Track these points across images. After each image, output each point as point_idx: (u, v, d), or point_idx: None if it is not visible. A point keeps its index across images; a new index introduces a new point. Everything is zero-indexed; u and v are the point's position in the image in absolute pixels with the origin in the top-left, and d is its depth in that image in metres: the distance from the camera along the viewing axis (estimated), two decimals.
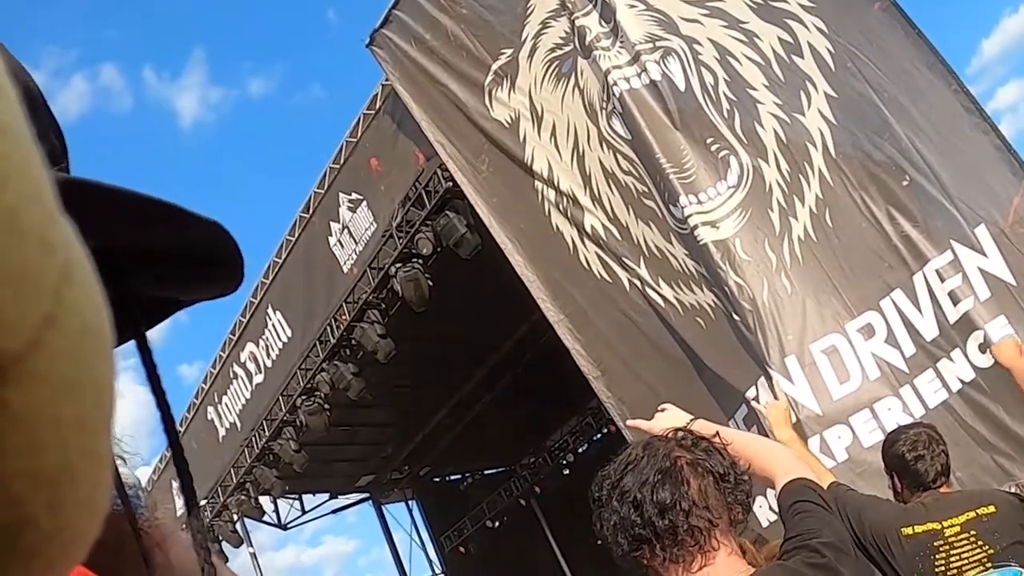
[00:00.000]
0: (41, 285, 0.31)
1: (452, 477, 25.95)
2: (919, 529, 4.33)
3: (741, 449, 2.63)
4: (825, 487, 4.24)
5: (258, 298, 15.06)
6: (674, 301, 8.08)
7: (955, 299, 6.53)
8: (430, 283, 12.71)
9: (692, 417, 2.91)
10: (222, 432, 16.72)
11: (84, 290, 0.35)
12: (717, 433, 2.59)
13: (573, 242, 8.72)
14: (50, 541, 0.33)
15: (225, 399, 16.38)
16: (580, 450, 23.77)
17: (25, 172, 0.31)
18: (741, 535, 2.49)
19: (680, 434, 2.55)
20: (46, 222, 0.32)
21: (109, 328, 0.37)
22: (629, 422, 3.13)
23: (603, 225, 8.46)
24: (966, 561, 4.23)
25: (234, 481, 16.94)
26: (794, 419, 6.64)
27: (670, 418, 3.00)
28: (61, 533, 0.34)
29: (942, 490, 4.50)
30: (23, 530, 0.32)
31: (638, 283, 8.31)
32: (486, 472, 25.95)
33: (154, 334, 0.75)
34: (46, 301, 0.31)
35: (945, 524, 4.30)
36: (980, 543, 4.23)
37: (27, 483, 0.31)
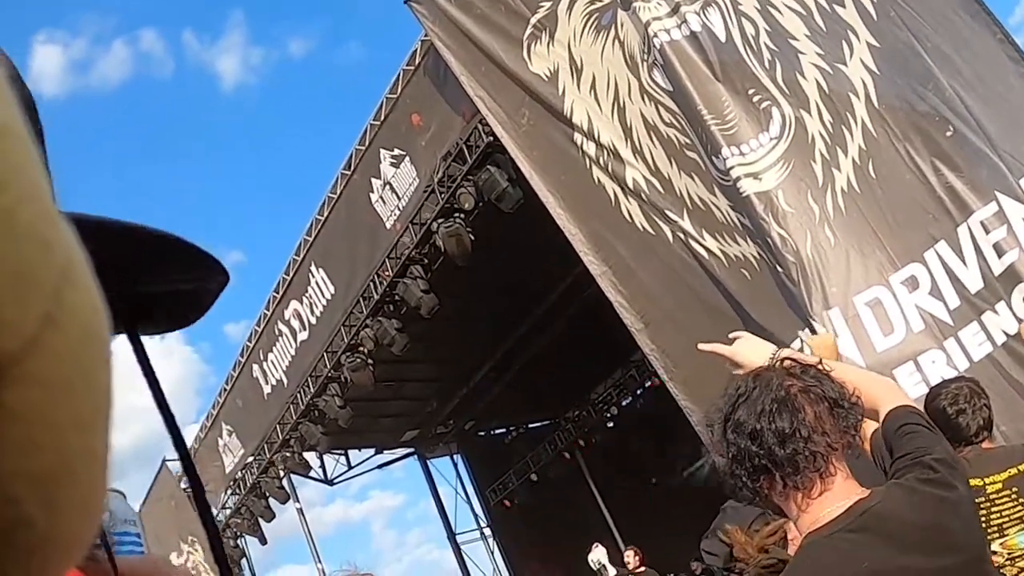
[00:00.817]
0: (40, 285, 0.31)
1: (496, 431, 26.04)
2: None
3: (842, 376, 2.62)
4: (869, 434, 4.24)
5: (301, 255, 15.13)
6: (718, 253, 8.04)
7: (1000, 251, 6.45)
8: (472, 237, 12.72)
9: (774, 347, 2.87)
10: (267, 389, 16.88)
11: (83, 291, 0.35)
12: (820, 360, 2.58)
13: (615, 195, 8.68)
14: (47, 541, 0.33)
15: (271, 357, 16.51)
16: (624, 403, 23.79)
17: (24, 173, 0.31)
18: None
19: (787, 363, 2.54)
20: (45, 222, 0.32)
21: (107, 329, 0.37)
22: (703, 346, 3.08)
23: (645, 178, 8.41)
24: (1007, 518, 4.19)
25: (280, 438, 17.10)
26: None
27: (750, 345, 2.95)
28: (58, 533, 0.34)
29: (985, 445, 4.45)
30: (20, 530, 0.32)
31: (682, 235, 8.27)
32: (530, 426, 26.04)
33: None
34: (45, 301, 0.32)
35: (987, 480, 4.26)
36: (1022, 500, 4.19)
37: (24, 483, 0.31)
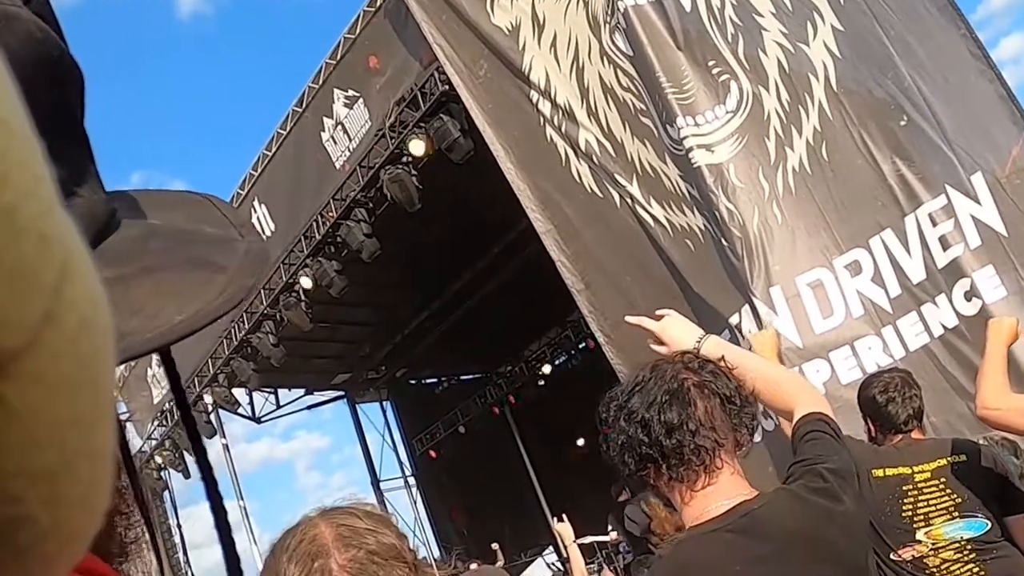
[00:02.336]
0: (40, 282, 0.31)
1: (428, 380, 26.13)
2: (890, 472, 4.36)
3: (757, 374, 2.64)
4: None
5: (245, 190, 15.01)
6: (664, 221, 8.05)
7: (945, 244, 6.52)
8: (419, 185, 12.69)
9: (702, 332, 2.89)
10: None
11: (83, 287, 0.34)
12: (723, 357, 2.59)
13: (566, 155, 8.66)
14: (48, 539, 0.33)
15: None
16: (557, 362, 23.95)
17: (24, 168, 0.30)
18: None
19: (687, 356, 2.56)
20: (45, 218, 0.31)
21: (109, 325, 0.37)
22: (631, 318, 3.08)
23: (597, 140, 8.40)
24: (934, 508, 4.27)
25: (211, 372, 17.03)
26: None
27: (677, 324, 2.97)
28: (59, 531, 0.34)
29: (915, 435, 4.54)
30: (21, 528, 0.31)
31: (629, 201, 8.27)
32: (462, 378, 26.15)
33: None
34: (45, 298, 0.31)
35: (916, 469, 4.34)
36: (949, 491, 4.26)
37: (25, 481, 0.31)
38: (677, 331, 2.91)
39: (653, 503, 3.54)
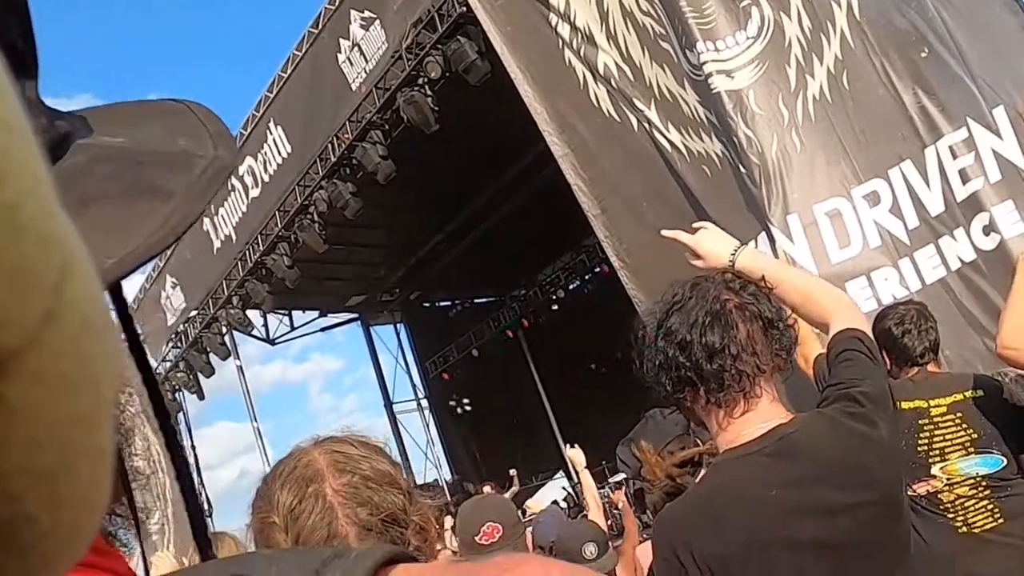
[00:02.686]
0: (40, 281, 0.31)
1: (441, 303, 26.16)
2: (906, 405, 4.31)
3: (792, 288, 2.59)
4: (812, 357, 4.24)
5: (260, 112, 14.93)
6: (681, 147, 8.01)
7: (965, 178, 6.46)
8: (436, 107, 12.59)
9: (737, 243, 2.81)
10: (217, 244, 16.74)
11: (84, 286, 0.34)
12: (763, 277, 2.54)
13: (584, 78, 8.61)
14: (49, 537, 0.33)
15: (221, 211, 16.33)
16: (571, 286, 23.91)
17: (24, 167, 0.30)
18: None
19: (728, 276, 2.50)
20: (45, 218, 0.31)
21: (110, 324, 0.37)
22: (667, 232, 3.00)
23: (616, 64, 8.33)
24: (949, 443, 4.24)
25: (225, 294, 17.05)
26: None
27: (713, 237, 2.88)
28: (60, 530, 0.34)
29: (931, 368, 4.50)
30: (22, 527, 0.31)
31: (647, 125, 8.22)
32: (476, 301, 26.16)
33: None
34: (45, 297, 0.31)
35: (932, 403, 4.30)
36: (964, 426, 4.23)
37: (26, 480, 0.31)
38: (712, 243, 2.81)
39: (644, 447, 3.50)
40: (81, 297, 0.33)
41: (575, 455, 7.73)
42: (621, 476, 8.85)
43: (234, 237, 16.37)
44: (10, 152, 0.29)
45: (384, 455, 1.63)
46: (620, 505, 8.44)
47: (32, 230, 0.30)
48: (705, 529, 2.31)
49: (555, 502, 15.18)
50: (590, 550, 4.63)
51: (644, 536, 5.74)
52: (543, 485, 22.01)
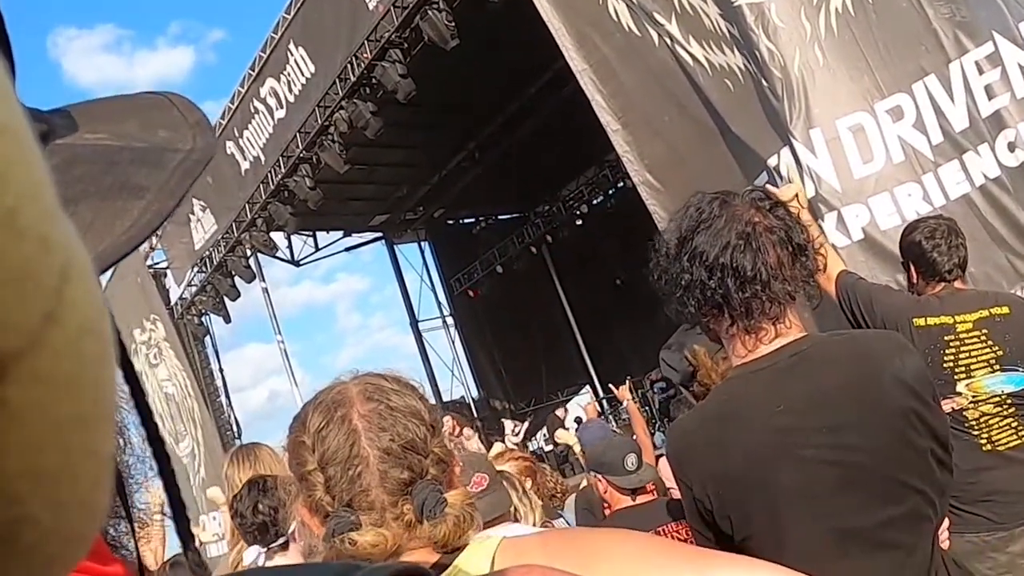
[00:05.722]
0: (41, 284, 0.31)
1: (465, 220, 26.17)
2: (932, 321, 4.29)
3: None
4: (835, 273, 4.22)
5: (279, 33, 14.83)
6: (703, 60, 7.92)
7: (990, 93, 6.35)
8: (454, 24, 12.49)
9: None
10: (245, 166, 16.67)
11: (84, 289, 0.34)
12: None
13: None
14: (50, 540, 0.33)
15: (246, 134, 16.28)
16: (595, 201, 23.91)
17: (25, 171, 0.30)
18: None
19: (757, 194, 2.42)
20: (46, 221, 0.31)
21: (110, 327, 0.37)
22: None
23: None
24: (975, 359, 4.20)
25: (248, 217, 17.06)
26: (812, 193, 6.60)
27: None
28: (61, 532, 0.34)
29: (956, 284, 4.46)
30: (23, 529, 0.32)
31: (668, 40, 8.13)
32: (500, 217, 26.18)
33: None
34: (46, 300, 0.31)
35: (958, 319, 4.27)
36: (990, 343, 4.19)
37: (27, 482, 0.31)
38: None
39: (698, 351, 3.49)
40: (82, 299, 0.34)
41: (623, 392, 8.12)
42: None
43: (263, 158, 16.32)
44: (11, 156, 0.30)
45: (415, 392, 1.68)
46: (625, 403, 8.63)
47: (33, 233, 0.30)
48: (709, 446, 2.30)
49: (578, 419, 15.26)
50: (631, 460, 4.79)
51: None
52: (568, 401, 22.17)
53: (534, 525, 3.43)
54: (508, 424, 8.14)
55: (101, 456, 0.36)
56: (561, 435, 8.76)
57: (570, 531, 3.12)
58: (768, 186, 3.31)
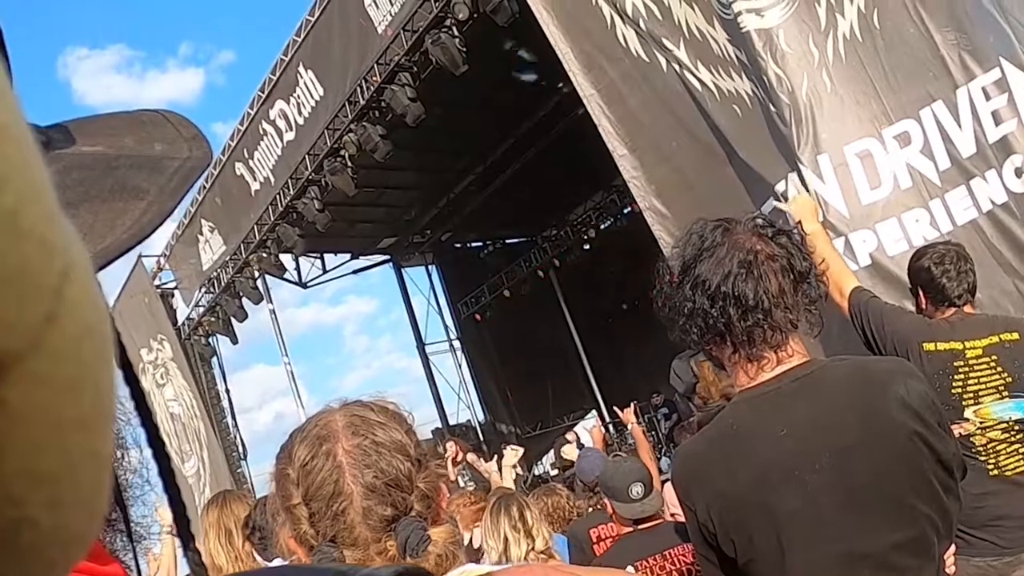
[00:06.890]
0: (42, 285, 0.31)
1: (473, 244, 26.16)
2: (941, 346, 4.28)
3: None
4: (848, 290, 4.22)
5: (289, 56, 14.88)
6: (711, 86, 7.93)
7: (997, 119, 6.34)
8: (464, 49, 12.53)
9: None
10: (255, 187, 16.68)
11: (84, 290, 0.34)
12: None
13: (612, 19, 8.53)
14: (50, 541, 0.33)
15: (256, 155, 16.30)
16: (603, 226, 23.87)
17: (25, 173, 0.31)
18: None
19: (759, 221, 2.42)
20: (46, 222, 0.32)
21: (110, 328, 0.37)
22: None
23: (644, 4, 8.24)
24: (984, 386, 4.19)
25: (257, 238, 17.07)
26: (821, 218, 6.60)
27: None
28: (61, 533, 0.34)
29: (966, 309, 4.46)
30: (23, 530, 0.32)
31: (676, 66, 8.14)
32: (507, 241, 26.17)
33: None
34: (47, 301, 0.31)
35: (967, 345, 4.25)
36: (999, 369, 4.18)
37: (27, 483, 0.31)
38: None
39: (704, 364, 3.50)
40: (82, 300, 0.34)
41: (627, 415, 8.12)
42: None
43: (272, 180, 16.33)
44: (11, 157, 0.30)
45: (402, 423, 1.69)
46: (630, 426, 8.62)
47: (34, 234, 0.30)
48: (714, 470, 2.31)
49: (581, 444, 15.25)
50: (636, 490, 4.68)
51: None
52: (574, 425, 22.11)
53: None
54: (508, 451, 8.08)
55: (101, 457, 0.36)
56: (568, 451, 8.76)
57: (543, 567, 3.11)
58: (779, 203, 3.29)
